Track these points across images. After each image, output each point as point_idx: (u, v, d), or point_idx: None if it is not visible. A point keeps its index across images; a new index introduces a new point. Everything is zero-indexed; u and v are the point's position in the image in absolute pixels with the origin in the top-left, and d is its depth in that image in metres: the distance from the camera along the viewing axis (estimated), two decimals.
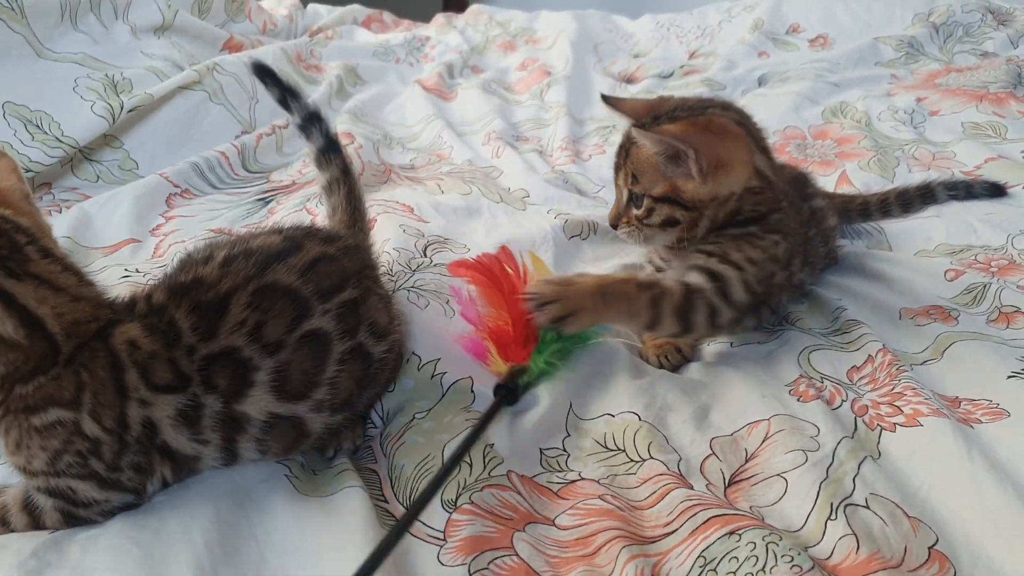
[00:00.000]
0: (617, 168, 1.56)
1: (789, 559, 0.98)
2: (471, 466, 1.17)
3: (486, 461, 1.18)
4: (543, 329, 1.34)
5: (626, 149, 1.52)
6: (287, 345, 1.10)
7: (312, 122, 1.62)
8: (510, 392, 1.27)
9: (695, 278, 1.39)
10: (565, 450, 1.25)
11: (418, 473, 1.18)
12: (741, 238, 1.46)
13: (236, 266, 1.13)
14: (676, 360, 1.49)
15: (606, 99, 1.66)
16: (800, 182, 1.77)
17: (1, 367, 0.95)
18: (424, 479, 1.16)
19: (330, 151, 1.61)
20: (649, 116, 1.52)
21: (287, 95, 1.62)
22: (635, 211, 1.51)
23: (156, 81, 2.37)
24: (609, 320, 1.44)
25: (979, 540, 1.03)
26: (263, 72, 1.64)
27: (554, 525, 1.11)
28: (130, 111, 2.20)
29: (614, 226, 1.58)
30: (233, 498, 1.11)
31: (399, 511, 1.14)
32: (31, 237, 0.99)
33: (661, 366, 1.47)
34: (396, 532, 0.96)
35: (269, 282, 1.12)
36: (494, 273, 1.40)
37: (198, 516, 1.05)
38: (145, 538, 1.02)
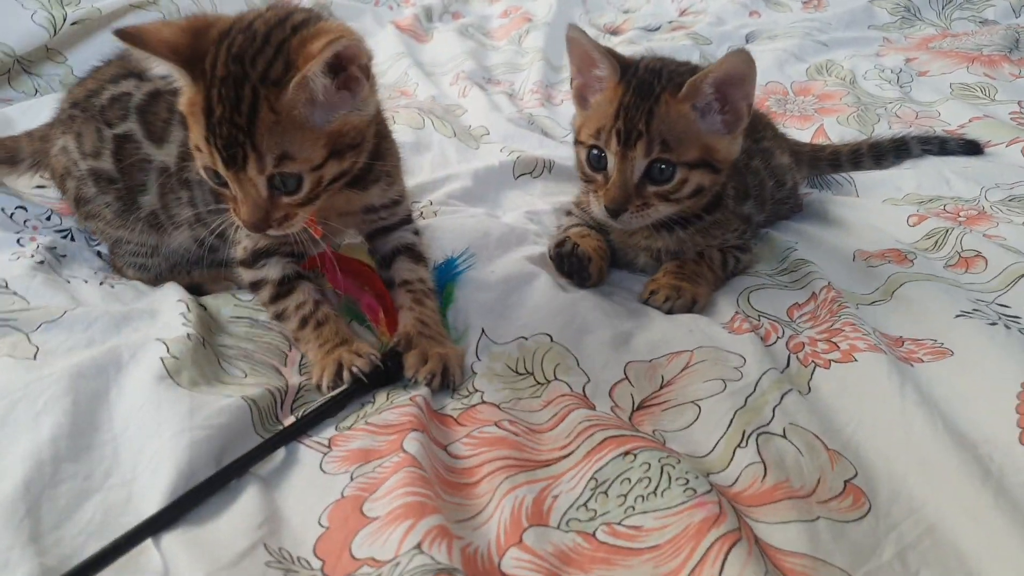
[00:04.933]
0: (629, 138, 1.27)
1: (684, 482, 0.90)
2: (373, 402, 1.10)
3: (389, 394, 1.11)
4: None
5: (646, 111, 1.27)
6: None
7: None
8: (381, 375, 1.14)
9: None
10: (473, 371, 1.17)
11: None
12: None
13: None
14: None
15: (575, 28, 1.40)
16: (750, 124, 1.68)
17: None
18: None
19: None
20: (620, 63, 1.34)
21: None
22: (655, 187, 1.30)
23: None
24: None
25: (903, 476, 0.94)
26: None
27: (446, 451, 1.02)
28: (73, 24, 2.09)
29: (617, 212, 1.31)
30: (98, 380, 1.03)
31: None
32: None
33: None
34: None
35: None
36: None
37: (52, 404, 0.98)
38: None
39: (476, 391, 1.13)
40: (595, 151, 1.33)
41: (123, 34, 1.01)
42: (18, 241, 1.40)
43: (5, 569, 0.81)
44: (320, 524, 0.89)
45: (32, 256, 1.33)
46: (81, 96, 1.37)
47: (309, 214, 1.11)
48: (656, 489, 0.90)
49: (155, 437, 0.97)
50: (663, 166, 1.28)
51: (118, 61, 1.38)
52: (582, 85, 1.39)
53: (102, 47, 2.16)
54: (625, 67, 1.33)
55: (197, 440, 0.96)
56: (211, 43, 1.02)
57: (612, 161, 1.30)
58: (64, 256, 1.40)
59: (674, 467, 0.92)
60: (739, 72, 1.24)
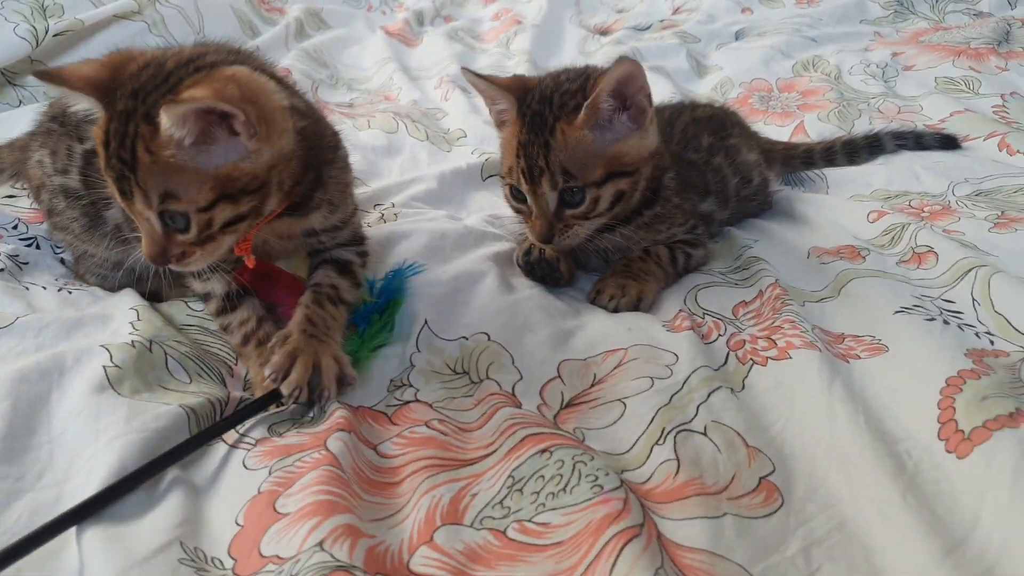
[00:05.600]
0: (533, 174, 1.29)
1: (593, 479, 0.90)
2: (312, 417, 1.10)
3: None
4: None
5: (542, 145, 1.27)
6: None
7: None
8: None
9: None
10: (412, 364, 1.18)
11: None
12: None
13: None
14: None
15: (467, 72, 1.41)
16: (717, 122, 1.71)
17: None
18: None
19: None
20: (516, 96, 1.33)
21: None
22: (571, 211, 1.31)
23: (91, 8, 2.30)
24: None
25: (823, 474, 0.94)
26: None
27: (375, 450, 1.03)
28: (55, 35, 2.13)
29: (548, 241, 1.33)
30: (40, 384, 1.06)
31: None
32: None
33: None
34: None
35: None
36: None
37: None
38: None
39: (411, 386, 1.14)
40: (512, 187, 1.36)
41: (41, 75, 1.04)
42: None
43: None
44: (236, 523, 0.91)
45: None
46: (60, 110, 1.39)
47: (213, 254, 1.08)
48: (566, 486, 0.90)
49: (92, 442, 0.99)
50: (573, 189, 1.29)
51: None
52: (497, 114, 1.41)
53: (85, 58, 2.21)
54: (522, 98, 1.32)
55: (132, 443, 0.98)
56: (125, 77, 1.02)
57: (528, 197, 1.33)
58: (26, 263, 1.43)
59: (586, 464, 0.92)
60: (626, 73, 1.24)
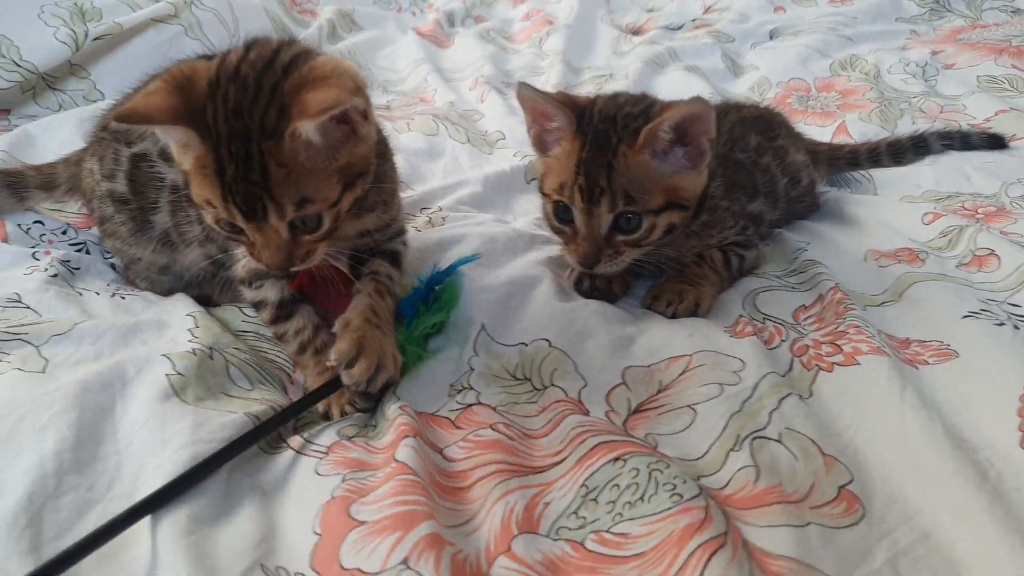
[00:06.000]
0: (593, 194, 1.25)
1: (671, 487, 0.89)
2: (376, 426, 1.11)
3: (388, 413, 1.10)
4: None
5: (605, 165, 1.24)
6: None
7: None
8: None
9: None
10: (471, 367, 1.18)
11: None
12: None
13: None
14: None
15: (525, 87, 1.34)
16: (764, 122, 1.69)
17: None
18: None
19: None
20: (575, 113, 1.30)
21: None
22: (624, 236, 1.29)
23: (129, 12, 2.30)
24: None
25: (899, 483, 0.93)
26: None
27: (442, 454, 1.03)
28: (95, 39, 2.14)
29: (590, 266, 1.30)
30: (103, 394, 1.05)
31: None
32: None
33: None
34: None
35: None
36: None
37: (57, 418, 0.99)
38: None
39: (472, 389, 1.14)
40: (561, 204, 1.32)
41: (122, 118, 0.98)
42: (33, 255, 1.43)
43: None
44: (314, 532, 0.90)
45: (46, 270, 1.36)
46: (110, 119, 1.39)
47: (328, 245, 1.11)
48: (644, 495, 0.89)
49: (159, 452, 0.99)
50: (630, 216, 1.27)
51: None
52: (540, 132, 1.36)
53: (124, 62, 2.23)
54: (580, 115, 1.29)
55: (200, 453, 0.98)
56: (203, 96, 0.99)
57: (578, 217, 1.29)
58: (78, 269, 1.43)
59: (662, 472, 0.91)
60: (696, 113, 1.21)
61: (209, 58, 1.08)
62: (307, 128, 0.95)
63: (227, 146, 0.97)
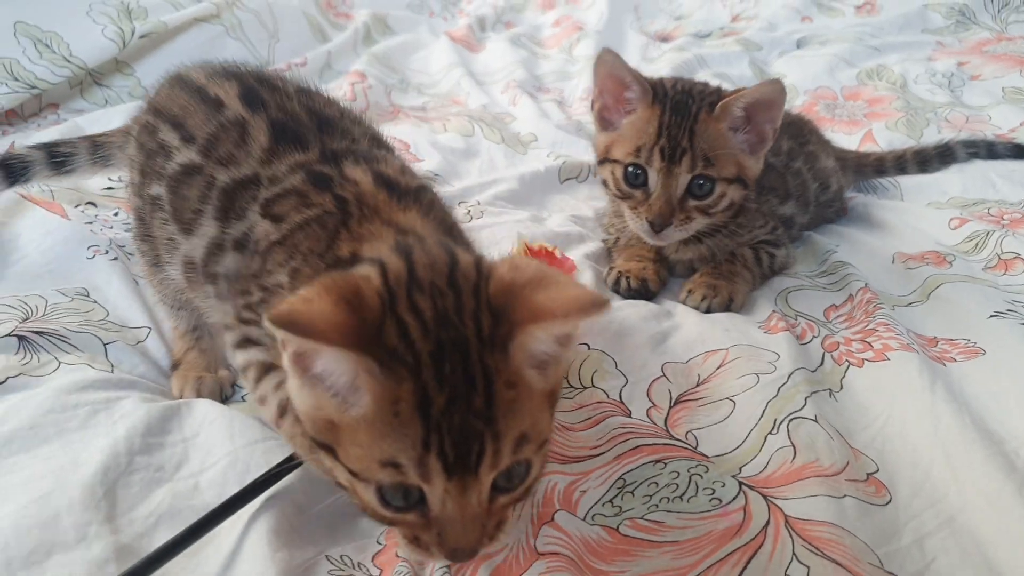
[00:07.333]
0: (674, 154, 1.31)
1: (710, 492, 0.94)
2: None
3: None
4: None
5: (688, 128, 1.31)
6: None
7: None
8: None
9: None
10: None
11: None
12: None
13: None
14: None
15: (608, 52, 1.41)
16: (796, 128, 1.73)
17: None
18: None
19: None
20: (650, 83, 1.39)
21: None
22: (696, 201, 1.35)
23: (173, 11, 2.37)
24: None
25: (927, 469, 0.97)
26: None
27: None
28: (141, 37, 2.21)
29: (661, 226, 1.34)
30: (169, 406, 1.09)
31: None
32: None
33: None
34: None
35: None
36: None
37: (126, 416, 1.04)
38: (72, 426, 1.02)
39: None
40: (632, 168, 1.36)
41: (289, 327, 0.60)
42: (91, 231, 1.48)
43: (84, 542, 0.87)
44: (378, 543, 0.93)
45: (106, 253, 1.42)
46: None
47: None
48: (683, 495, 0.94)
49: (227, 442, 1.02)
50: (703, 181, 1.33)
51: None
52: (604, 107, 1.42)
53: (168, 59, 2.28)
54: (655, 88, 1.36)
55: (270, 448, 1.01)
56: (377, 312, 0.66)
57: (655, 177, 1.34)
58: (131, 256, 1.48)
59: (702, 476, 0.96)
60: (769, 97, 1.29)
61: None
62: (542, 335, 0.68)
63: (433, 367, 0.65)
